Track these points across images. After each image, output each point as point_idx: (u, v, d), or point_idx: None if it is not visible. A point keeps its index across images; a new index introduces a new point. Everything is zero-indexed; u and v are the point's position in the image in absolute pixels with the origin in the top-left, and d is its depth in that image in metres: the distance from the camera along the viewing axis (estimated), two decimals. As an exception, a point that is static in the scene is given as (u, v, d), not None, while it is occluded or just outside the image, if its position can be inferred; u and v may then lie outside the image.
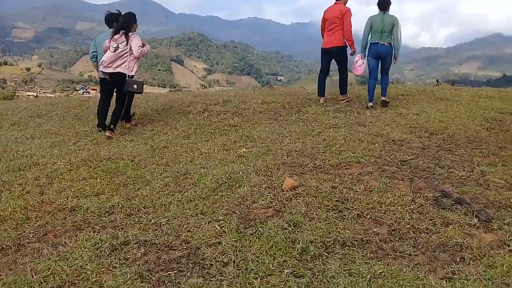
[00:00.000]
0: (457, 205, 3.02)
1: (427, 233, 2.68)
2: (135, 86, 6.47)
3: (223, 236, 2.77)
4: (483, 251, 2.46)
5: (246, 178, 3.79)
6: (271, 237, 2.70)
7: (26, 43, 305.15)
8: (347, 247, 2.57)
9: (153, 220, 3.15)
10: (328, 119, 6.18)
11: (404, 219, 2.86)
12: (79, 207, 3.55)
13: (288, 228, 2.81)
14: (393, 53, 7.26)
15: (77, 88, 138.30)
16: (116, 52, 6.30)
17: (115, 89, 6.68)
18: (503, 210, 2.95)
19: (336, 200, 3.19)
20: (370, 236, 2.68)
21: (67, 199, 3.76)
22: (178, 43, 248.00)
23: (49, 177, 4.44)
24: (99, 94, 7.63)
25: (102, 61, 6.38)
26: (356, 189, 3.40)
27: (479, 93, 8.64)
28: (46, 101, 11.44)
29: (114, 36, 6.38)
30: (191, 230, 2.92)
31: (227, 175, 3.88)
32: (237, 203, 3.27)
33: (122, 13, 6.67)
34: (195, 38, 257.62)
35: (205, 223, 2.98)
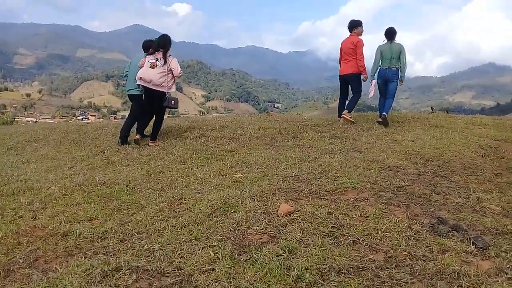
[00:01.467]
0: (453, 232, 2.98)
1: (423, 260, 2.64)
2: (173, 102, 7.24)
3: (217, 263, 2.72)
4: (480, 279, 2.42)
5: (242, 203, 3.75)
6: (266, 263, 2.65)
7: (27, 69, 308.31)
8: (343, 274, 2.53)
9: (146, 245, 3.10)
10: (324, 145, 6.19)
11: (400, 246, 2.82)
12: (71, 232, 3.50)
13: (283, 254, 2.77)
14: (400, 76, 8.26)
15: (76, 114, 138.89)
16: (154, 69, 6.97)
17: (149, 106, 7.34)
18: (500, 237, 2.92)
19: (331, 226, 3.15)
20: (366, 263, 2.64)
21: (60, 224, 3.71)
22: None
23: (43, 202, 4.40)
24: (98, 121, 7.90)
25: (139, 77, 6.99)
26: (352, 215, 3.37)
27: (474, 120, 8.72)
28: (44, 126, 11.47)
29: (155, 54, 7.05)
30: (184, 256, 2.87)
31: (222, 200, 3.85)
32: (231, 229, 3.23)
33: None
34: (194, 66, 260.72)
35: (199, 249, 2.93)
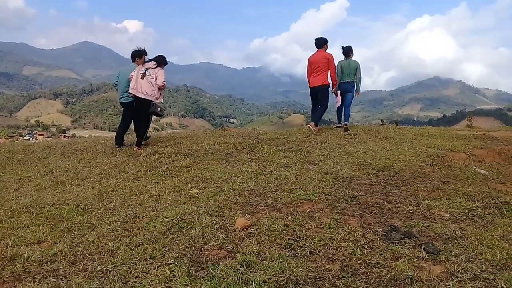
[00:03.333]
0: (406, 239, 3.07)
1: (378, 268, 2.70)
2: (159, 109, 7.82)
3: (173, 281, 2.65)
4: (433, 284, 2.49)
5: (198, 219, 3.70)
6: (223, 279, 2.61)
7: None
8: (300, 286, 2.53)
9: (98, 267, 2.99)
10: (280, 158, 6.24)
11: (355, 255, 2.87)
12: (19, 256, 3.33)
13: (240, 268, 2.74)
14: (356, 88, 9.67)
15: (23, 134, 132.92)
16: (144, 78, 7.55)
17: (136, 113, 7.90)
18: (450, 242, 3.03)
19: (288, 238, 3.16)
20: (323, 273, 2.66)
21: (6, 248, 3.53)
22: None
23: (-13, 226, 4.16)
24: (47, 140, 7.94)
25: (131, 86, 7.58)
26: (308, 226, 3.40)
27: (422, 131, 9.08)
28: (-13, 146, 10.89)
29: (145, 64, 7.71)
30: (139, 276, 2.78)
31: (178, 217, 3.78)
32: (188, 245, 3.17)
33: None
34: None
35: (154, 268, 2.85)
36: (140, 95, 7.58)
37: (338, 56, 9.53)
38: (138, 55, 7.98)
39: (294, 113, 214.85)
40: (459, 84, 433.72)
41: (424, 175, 5.11)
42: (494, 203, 3.91)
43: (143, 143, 7.95)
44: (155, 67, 7.69)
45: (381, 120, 13.28)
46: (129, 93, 7.68)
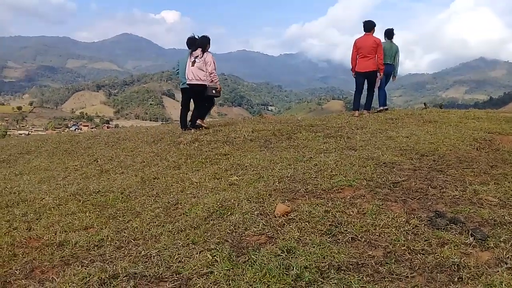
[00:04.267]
0: (451, 224, 2.97)
1: (423, 254, 2.63)
2: (213, 91, 8.31)
3: (215, 266, 2.69)
4: (480, 270, 2.40)
5: (238, 205, 3.73)
6: (265, 264, 2.62)
7: (17, 83, 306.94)
8: (342, 272, 2.50)
9: (143, 252, 3.06)
10: (319, 144, 6.17)
11: (399, 241, 2.80)
12: (67, 242, 3.46)
13: (281, 254, 2.74)
14: (393, 73, 10.15)
15: (69, 125, 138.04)
16: (194, 65, 8.10)
17: (193, 99, 8.62)
18: (498, 227, 2.91)
19: (329, 224, 3.13)
20: (365, 260, 2.62)
21: (55, 234, 3.67)
22: (169, 77, 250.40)
23: (37, 213, 4.35)
24: (91, 130, 8.35)
25: (187, 76, 8.21)
26: (349, 212, 3.35)
27: (467, 114, 8.75)
28: (36, 138, 11.39)
29: (193, 53, 8.19)
30: (182, 260, 2.83)
31: (218, 204, 3.82)
32: (229, 231, 3.20)
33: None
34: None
35: (197, 253, 2.90)
36: (194, 82, 8.13)
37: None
38: (195, 43, 8.38)
39: (332, 99, 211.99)
40: (506, 64, 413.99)
41: (471, 159, 4.93)
42: (546, 188, 3.72)
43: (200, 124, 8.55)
44: (202, 54, 8.11)
45: (424, 104, 12.88)
46: (187, 83, 8.27)
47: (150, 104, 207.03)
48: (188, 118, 8.96)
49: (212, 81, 8.23)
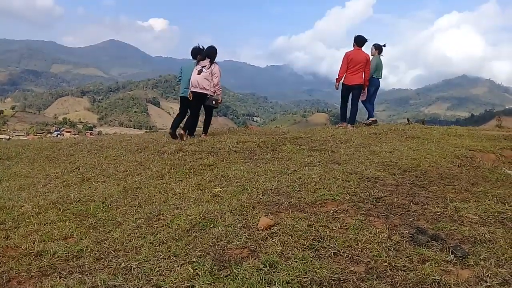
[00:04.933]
0: (433, 241, 2.99)
1: (404, 271, 2.64)
2: (213, 102, 8.47)
3: (196, 279, 2.66)
4: (460, 288, 2.42)
5: (221, 218, 3.70)
6: (246, 278, 2.60)
7: (0, 86, 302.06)
8: (324, 287, 2.50)
9: (123, 263, 3.02)
10: (303, 157, 6.19)
11: (381, 257, 2.81)
12: (45, 252, 3.39)
13: (263, 268, 2.72)
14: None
15: (51, 131, 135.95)
16: (201, 74, 8.26)
17: (194, 106, 8.68)
18: (478, 245, 2.94)
19: (312, 239, 3.13)
20: (347, 275, 2.62)
21: (34, 243, 3.59)
22: (154, 85, 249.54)
23: (16, 221, 4.26)
24: (73, 137, 8.27)
25: (191, 83, 8.35)
26: (332, 227, 3.35)
27: (449, 131, 8.88)
28: (17, 143, 11.19)
29: (200, 62, 8.39)
30: (163, 273, 2.80)
31: (201, 215, 3.79)
32: (211, 244, 3.18)
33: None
34: (172, 80, 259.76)
35: (178, 266, 2.86)
36: (197, 90, 8.30)
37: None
38: (199, 53, 8.62)
39: (317, 112, 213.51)
40: (488, 82, 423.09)
41: (452, 176, 4.99)
42: (525, 206, 3.78)
43: (193, 135, 8.82)
44: (210, 65, 8.32)
45: (407, 119, 13.06)
46: (191, 90, 8.39)
47: (135, 111, 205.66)
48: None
49: (215, 92, 8.45)
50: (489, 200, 3.95)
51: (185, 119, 9.09)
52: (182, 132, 8.57)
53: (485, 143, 7.38)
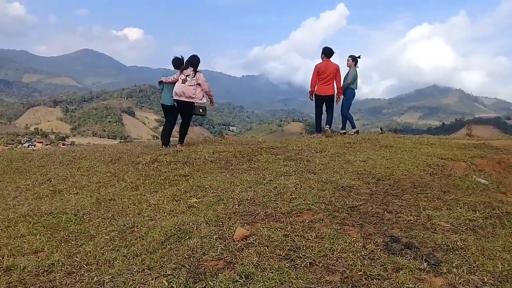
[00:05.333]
0: (406, 249, 3.04)
1: (379, 279, 2.66)
2: (200, 110, 8.67)
3: (171, 292, 2.62)
4: (434, 296, 2.46)
5: (196, 229, 3.67)
6: (222, 290, 2.58)
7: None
8: (300, 298, 2.50)
9: (95, 278, 2.95)
10: (279, 167, 6.21)
11: (356, 266, 2.83)
12: (15, 267, 3.29)
13: (239, 280, 2.71)
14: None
15: (22, 141, 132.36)
16: (185, 83, 8.25)
17: (180, 114, 8.73)
18: (451, 253, 3.00)
19: (288, 249, 3.13)
20: (322, 285, 2.63)
21: (3, 258, 3.49)
22: (129, 94, 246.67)
23: (-17, 235, 4.11)
24: (45, 148, 8.07)
25: (175, 91, 8.31)
26: (308, 236, 3.36)
27: (421, 140, 9.06)
28: (-15, 154, 10.86)
29: (184, 71, 8.36)
30: (137, 287, 2.74)
31: (176, 227, 3.75)
32: (186, 256, 3.14)
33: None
34: (147, 90, 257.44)
35: (152, 279, 2.82)
36: (183, 99, 8.30)
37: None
38: (180, 63, 8.61)
39: (293, 121, 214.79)
40: (458, 92, 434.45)
41: (424, 184, 5.09)
42: (495, 213, 3.88)
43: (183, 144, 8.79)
44: (194, 73, 8.34)
45: (381, 129, 13.28)
46: (174, 99, 8.39)
47: (109, 121, 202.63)
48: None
49: (210, 98, 8.82)
50: (461, 208, 4.04)
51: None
52: (181, 147, 8.50)
53: (456, 151, 7.56)
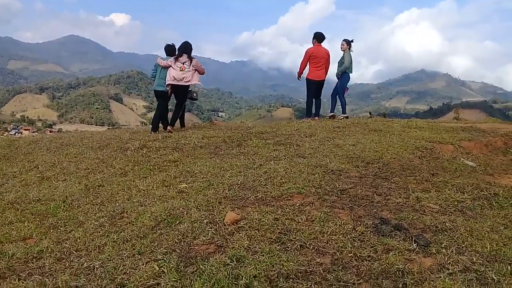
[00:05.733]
0: (396, 231, 3.06)
1: (369, 261, 2.68)
2: (194, 95, 9.15)
3: (162, 277, 2.61)
4: (424, 276, 2.48)
5: (187, 214, 3.66)
6: (213, 274, 2.57)
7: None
8: (291, 280, 2.51)
9: (85, 263, 2.93)
10: (269, 152, 6.20)
11: (346, 248, 2.85)
12: (3, 254, 3.26)
13: (230, 263, 2.70)
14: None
15: (8, 129, 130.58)
16: (183, 70, 8.43)
17: (175, 98, 8.94)
18: (440, 234, 3.03)
19: (279, 232, 3.13)
20: (313, 267, 2.64)
21: (-10, 245, 3.44)
22: (116, 81, 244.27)
23: (-30, 223, 4.06)
24: (32, 135, 8.09)
25: (173, 76, 8.43)
26: (298, 219, 3.37)
27: (410, 124, 9.10)
28: (-29, 142, 10.68)
29: (179, 59, 8.52)
30: (127, 272, 2.73)
31: (166, 212, 3.73)
32: (177, 241, 3.13)
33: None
34: (135, 76, 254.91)
35: (143, 264, 2.80)
36: (182, 83, 8.51)
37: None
38: (173, 50, 8.87)
39: (282, 107, 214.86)
40: (445, 77, 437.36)
41: (413, 167, 5.12)
42: (483, 195, 3.93)
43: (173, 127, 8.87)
44: (190, 61, 8.54)
45: (370, 113, 13.36)
46: (171, 83, 8.50)
47: (96, 108, 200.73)
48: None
49: (195, 80, 8.72)
50: (449, 190, 4.08)
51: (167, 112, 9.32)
52: (170, 128, 8.70)
53: (444, 134, 7.61)
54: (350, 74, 10.56)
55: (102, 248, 3.22)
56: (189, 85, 8.68)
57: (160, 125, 9.16)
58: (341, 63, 10.37)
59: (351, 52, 10.48)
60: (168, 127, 8.70)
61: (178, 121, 9.24)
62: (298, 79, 10.38)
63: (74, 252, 3.21)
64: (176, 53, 8.72)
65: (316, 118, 10.37)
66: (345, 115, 10.63)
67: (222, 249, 2.95)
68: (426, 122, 9.78)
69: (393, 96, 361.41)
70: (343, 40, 10.51)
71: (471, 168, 5.71)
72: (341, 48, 10.46)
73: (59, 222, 3.97)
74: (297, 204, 3.71)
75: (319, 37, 10.06)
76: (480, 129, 8.35)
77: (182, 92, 8.76)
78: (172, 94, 8.97)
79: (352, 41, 10.58)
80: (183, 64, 8.48)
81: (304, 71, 10.16)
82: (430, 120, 10.83)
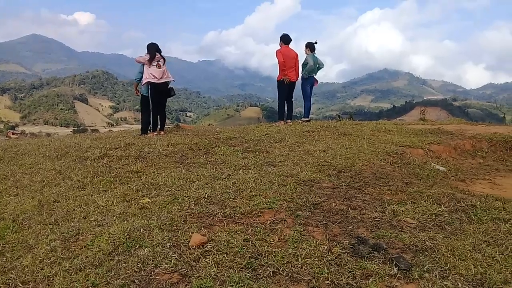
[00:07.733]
0: (374, 252, 2.85)
1: (347, 289, 2.46)
2: (173, 92, 9.11)
3: (118, 315, 2.31)
4: (406, 305, 2.28)
5: (148, 236, 3.35)
6: (176, 310, 2.30)
7: None
8: (263, 315, 2.26)
9: (31, 300, 2.59)
10: (237, 160, 5.95)
11: (322, 274, 2.62)
12: None
13: (196, 296, 2.43)
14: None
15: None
16: (160, 68, 8.59)
17: (159, 98, 8.89)
18: (420, 254, 2.84)
19: (249, 256, 2.87)
20: (287, 298, 2.40)
21: None
22: (81, 81, 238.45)
23: None
24: None
25: (152, 75, 8.49)
26: (270, 240, 3.12)
27: (378, 127, 9.05)
28: None
29: (155, 58, 8.56)
30: (79, 310, 2.42)
31: (126, 234, 3.40)
32: (136, 269, 2.82)
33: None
34: (100, 76, 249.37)
35: (97, 300, 2.50)
36: (163, 80, 8.65)
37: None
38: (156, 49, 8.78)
39: (250, 106, 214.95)
40: (407, 75, 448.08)
41: (386, 175, 4.98)
42: (460, 207, 3.78)
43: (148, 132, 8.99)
44: (164, 59, 8.70)
45: (338, 116, 13.33)
46: (155, 82, 8.49)
47: (61, 109, 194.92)
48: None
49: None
50: (425, 201, 3.93)
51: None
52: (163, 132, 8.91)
53: (413, 138, 7.56)
54: (313, 77, 10.57)
55: (52, 278, 2.88)
56: (167, 82, 8.81)
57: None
58: (304, 65, 10.38)
59: (314, 54, 10.45)
60: (161, 133, 8.86)
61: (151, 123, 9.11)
62: (286, 82, 9.91)
63: (20, 284, 2.86)
64: (148, 53, 8.62)
65: (289, 121, 10.33)
66: (307, 119, 10.60)
67: (187, 278, 2.67)
68: (395, 125, 9.77)
69: (357, 95, 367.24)
70: (305, 44, 10.61)
71: (442, 174, 5.64)
72: (305, 52, 10.54)
73: (6, 246, 3.59)
74: (268, 222, 3.47)
75: (285, 39, 9.99)
76: (447, 132, 8.37)
77: (166, 90, 8.87)
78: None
79: (315, 42, 10.56)
80: (158, 62, 8.59)
81: (280, 71, 9.93)
82: (397, 122, 10.86)
